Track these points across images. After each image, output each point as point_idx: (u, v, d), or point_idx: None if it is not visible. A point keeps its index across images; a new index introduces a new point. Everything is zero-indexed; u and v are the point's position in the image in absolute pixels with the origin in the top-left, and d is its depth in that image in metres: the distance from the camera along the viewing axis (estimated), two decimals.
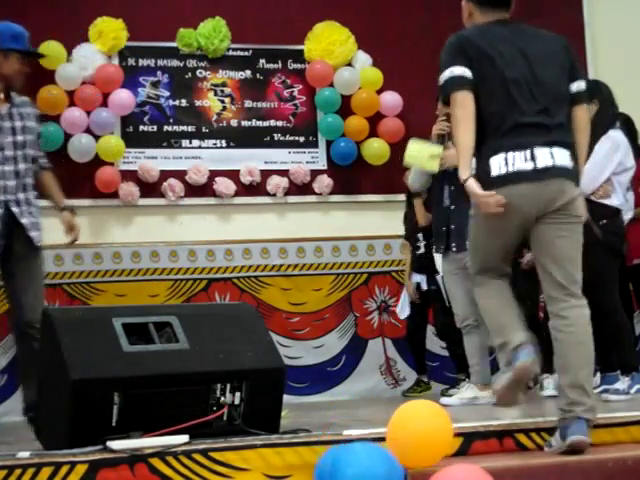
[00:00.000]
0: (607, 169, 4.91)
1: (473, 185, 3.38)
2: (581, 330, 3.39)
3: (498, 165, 3.39)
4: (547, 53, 3.54)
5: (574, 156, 3.46)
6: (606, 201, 4.93)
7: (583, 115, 3.61)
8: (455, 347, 5.89)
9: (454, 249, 5.20)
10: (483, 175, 3.40)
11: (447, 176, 5.14)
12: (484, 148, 3.43)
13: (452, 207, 5.18)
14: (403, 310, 6.47)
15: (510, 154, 3.37)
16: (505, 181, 3.37)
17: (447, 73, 3.45)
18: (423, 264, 6.19)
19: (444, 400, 5.11)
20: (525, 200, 3.36)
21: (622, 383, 4.81)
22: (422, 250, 6.19)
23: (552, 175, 3.37)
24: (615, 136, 4.96)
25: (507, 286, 3.58)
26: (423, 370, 6.55)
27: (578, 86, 3.58)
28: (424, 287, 6.27)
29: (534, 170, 3.36)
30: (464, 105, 3.40)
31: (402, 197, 6.56)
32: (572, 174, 3.43)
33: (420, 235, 6.18)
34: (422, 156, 4.97)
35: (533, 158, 3.36)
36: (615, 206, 4.97)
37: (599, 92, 5.01)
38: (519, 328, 3.44)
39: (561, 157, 3.40)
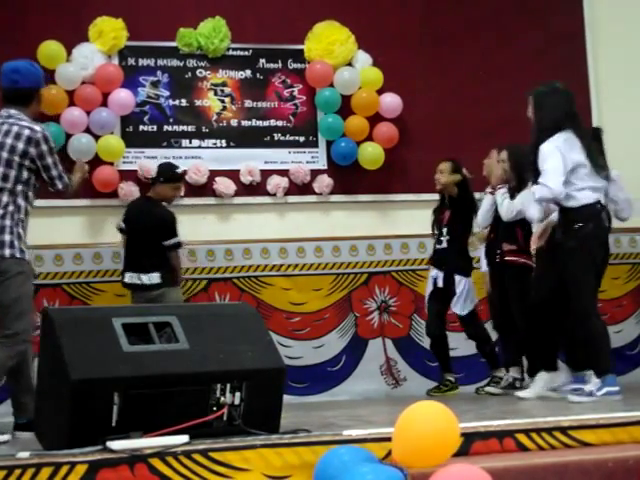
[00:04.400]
0: None
1: None
2: None
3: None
4: None
5: None
6: None
7: None
8: (483, 344, 6.10)
9: None
10: None
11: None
12: None
13: None
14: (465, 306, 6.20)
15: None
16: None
17: (120, 223, 6.09)
18: (442, 260, 6.19)
19: (519, 393, 5.19)
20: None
21: (592, 385, 4.81)
22: (444, 245, 6.20)
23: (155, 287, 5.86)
24: None
25: None
26: (447, 369, 6.31)
27: None
28: (440, 284, 6.18)
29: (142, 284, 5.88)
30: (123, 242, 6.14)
31: (401, 197, 6.74)
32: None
33: (445, 229, 6.19)
34: None
35: (140, 278, 5.91)
36: None
37: None
38: None
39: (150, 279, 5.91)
